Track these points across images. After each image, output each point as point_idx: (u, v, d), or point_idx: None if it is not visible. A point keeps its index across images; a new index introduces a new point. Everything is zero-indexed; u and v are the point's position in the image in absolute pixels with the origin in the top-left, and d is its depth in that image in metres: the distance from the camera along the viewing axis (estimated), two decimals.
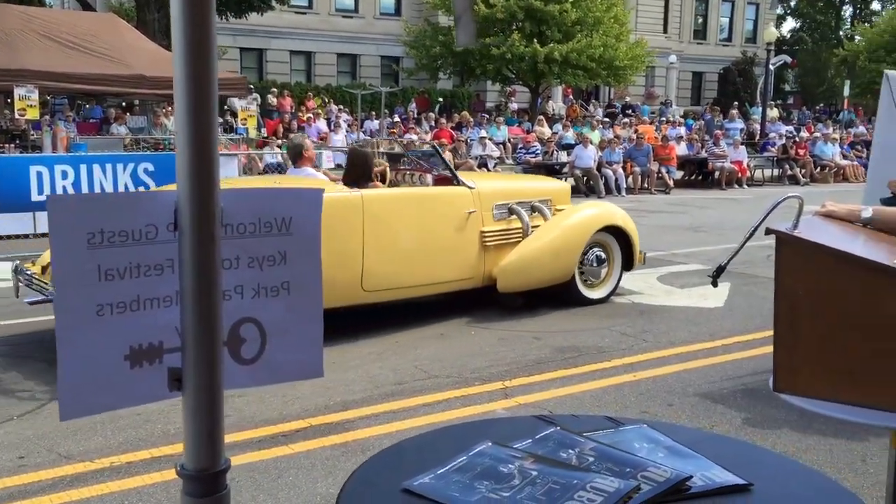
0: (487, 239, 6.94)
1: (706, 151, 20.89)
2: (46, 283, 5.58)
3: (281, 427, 4.56)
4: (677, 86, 40.07)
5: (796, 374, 2.76)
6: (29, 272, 5.90)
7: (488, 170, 17.07)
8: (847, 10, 54.44)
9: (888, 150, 6.27)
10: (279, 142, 19.05)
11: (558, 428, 1.63)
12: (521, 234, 7.15)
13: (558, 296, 7.36)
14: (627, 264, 7.71)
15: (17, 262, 6.21)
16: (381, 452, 1.58)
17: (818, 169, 22.49)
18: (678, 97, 39.33)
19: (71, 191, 10.97)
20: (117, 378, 1.12)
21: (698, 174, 20.87)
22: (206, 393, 1.11)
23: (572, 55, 25.62)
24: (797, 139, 23.39)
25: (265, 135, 20.88)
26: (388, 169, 7.47)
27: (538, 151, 18.64)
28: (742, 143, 21.78)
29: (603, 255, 7.55)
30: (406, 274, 6.52)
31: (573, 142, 19.96)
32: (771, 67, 29.41)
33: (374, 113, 22.82)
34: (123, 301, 1.12)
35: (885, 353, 2.57)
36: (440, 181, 7.20)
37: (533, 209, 7.34)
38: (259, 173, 16.79)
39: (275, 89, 25.73)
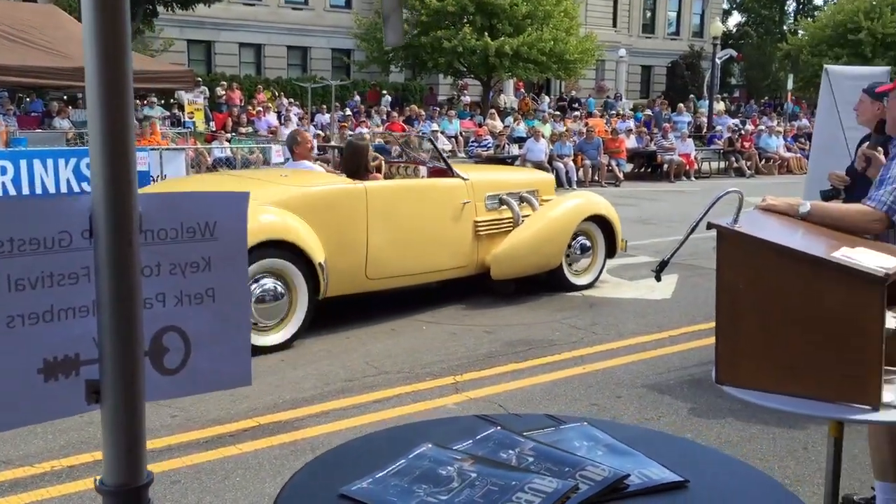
0: (480, 228, 7.23)
1: (655, 144, 21.16)
2: None
3: (228, 427, 4.50)
4: (627, 79, 40.48)
5: (738, 367, 2.80)
6: None
7: None
8: (790, 5, 55.58)
9: (827, 143, 6.41)
10: (228, 135, 18.78)
11: (499, 428, 1.63)
12: (511, 224, 7.44)
13: (547, 283, 7.75)
14: (610, 252, 8.10)
15: None
16: (318, 457, 1.55)
17: (763, 161, 22.94)
18: (628, 90, 39.74)
19: (11, 188, 10.68)
20: (31, 392, 1.07)
21: (647, 167, 21.13)
22: (126, 405, 1.07)
23: (523, 49, 25.70)
24: (743, 132, 23.82)
25: (214, 128, 20.58)
26: (382, 162, 7.68)
27: (490, 145, 18.68)
28: (689, 136, 22.10)
29: (588, 244, 7.91)
30: (406, 262, 6.76)
31: (525, 135, 20.06)
32: (717, 61, 29.88)
33: (325, 106, 22.61)
34: (36, 312, 1.07)
35: (824, 346, 2.62)
36: (434, 173, 7.51)
37: (521, 200, 7.65)
38: (208, 168, 16.53)
39: (224, 82, 25.35)
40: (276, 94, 25.65)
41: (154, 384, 1.15)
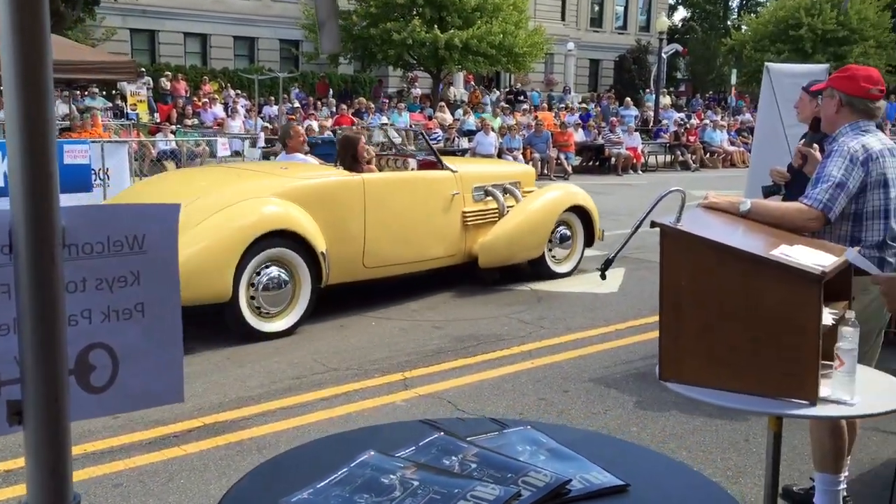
0: (468, 219, 7.55)
1: (603, 138, 21.38)
2: None
3: (172, 427, 4.42)
4: (575, 73, 40.80)
5: (681, 364, 2.84)
6: None
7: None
8: (734, 1, 56.63)
9: (768, 139, 6.54)
10: (173, 127, 18.43)
11: (442, 433, 1.62)
12: (497, 215, 7.78)
13: (529, 271, 8.11)
14: (589, 241, 8.46)
15: None
16: (258, 467, 1.53)
17: (708, 155, 23.35)
18: (576, 84, 40.07)
19: None
20: None
21: (595, 160, 21.35)
22: (50, 426, 1.03)
23: (472, 41, 25.71)
24: (688, 126, 24.21)
25: (158, 120, 20.17)
26: (374, 155, 7.85)
27: (439, 138, 18.66)
28: (636, 130, 22.39)
29: (568, 233, 8.26)
30: (401, 252, 7.04)
31: (475, 128, 20.08)
32: (663, 56, 30.31)
33: (272, 98, 22.32)
34: None
35: (763, 343, 2.67)
36: (424, 166, 7.84)
37: (505, 191, 7.96)
38: (152, 161, 16.20)
39: (168, 73, 24.84)
40: (223, 85, 25.23)
41: (80, 403, 1.11)
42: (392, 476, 1.42)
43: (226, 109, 21.17)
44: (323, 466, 1.47)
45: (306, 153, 8.14)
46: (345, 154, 7.08)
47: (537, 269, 8.04)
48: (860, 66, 3.33)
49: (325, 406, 4.80)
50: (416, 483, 1.40)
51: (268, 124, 18.69)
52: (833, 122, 3.28)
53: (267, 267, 6.07)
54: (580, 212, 8.32)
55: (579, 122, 22.86)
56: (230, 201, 6.07)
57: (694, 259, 2.77)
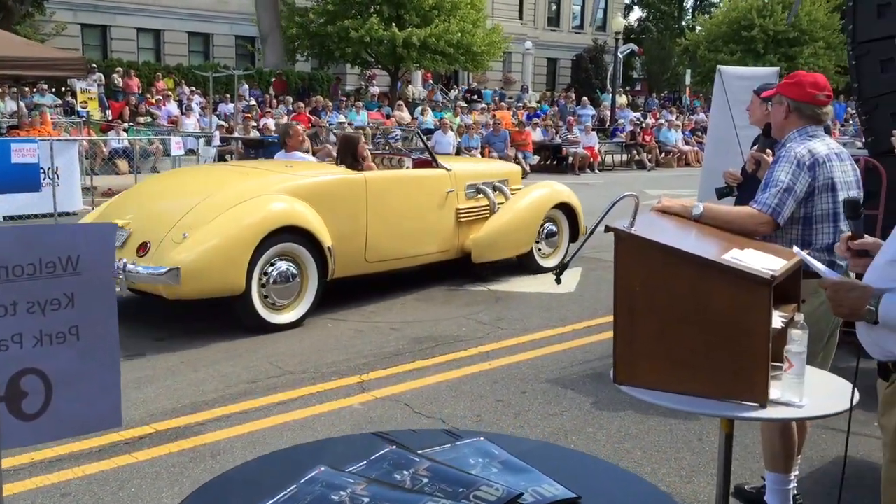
0: (461, 215, 7.86)
1: (560, 137, 21.52)
2: (135, 268, 6.01)
3: (123, 434, 4.33)
4: (533, 72, 41.00)
5: (635, 367, 2.86)
6: None
7: None
8: (689, 2, 57.40)
9: (721, 141, 6.63)
10: (125, 125, 18.08)
11: (394, 447, 1.60)
12: (488, 211, 8.09)
13: (519, 265, 8.47)
14: (573, 236, 8.79)
15: None
16: (205, 485, 1.49)
17: (663, 154, 23.66)
18: (534, 83, 40.26)
19: None
20: None
21: (553, 159, 21.47)
22: None
23: (430, 40, 25.66)
24: (644, 126, 24.49)
25: (110, 117, 19.79)
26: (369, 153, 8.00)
27: (398, 137, 18.57)
28: (593, 129, 22.57)
29: (554, 229, 8.62)
30: (400, 247, 7.33)
31: (433, 127, 20.06)
32: (619, 55, 30.62)
33: (228, 95, 22.01)
34: None
35: (715, 345, 2.70)
36: (419, 164, 8.12)
37: (495, 189, 8.25)
38: (104, 159, 15.89)
39: (120, 69, 24.36)
40: (178, 81, 24.81)
41: (12, 431, 1.07)
42: (342, 493, 1.40)
43: (180, 107, 20.83)
44: (272, 483, 1.44)
45: (306, 151, 8.41)
46: (345, 153, 7.28)
47: (525, 263, 8.38)
48: (807, 73, 3.38)
49: (281, 410, 4.74)
50: (366, 500, 1.38)
51: (223, 122, 18.44)
52: (782, 127, 3.34)
53: (277, 261, 6.30)
54: (566, 209, 8.70)
55: (536, 121, 22.96)
56: (240, 198, 6.26)
57: (647, 263, 2.79)
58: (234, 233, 6.02)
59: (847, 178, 3.30)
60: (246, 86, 23.86)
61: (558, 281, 2.92)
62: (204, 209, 6.13)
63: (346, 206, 6.78)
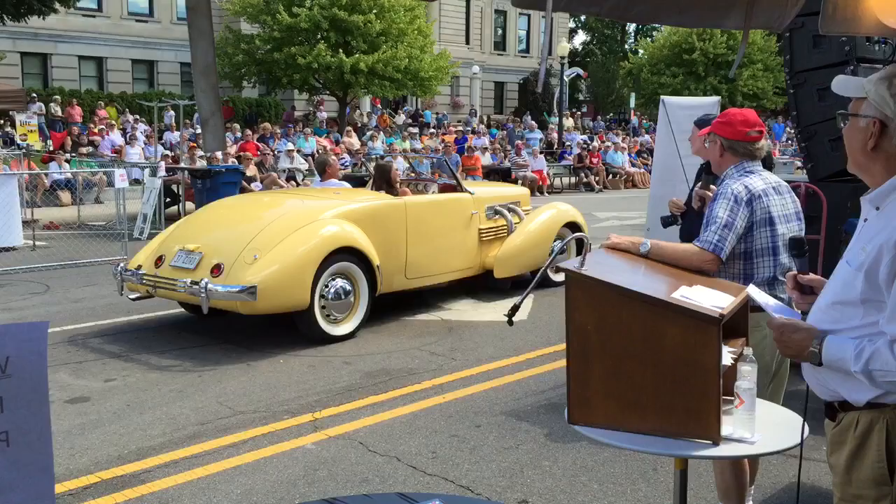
0: (483, 235, 8.57)
1: (509, 161, 21.68)
2: (153, 277, 6.92)
3: (66, 485, 4.17)
4: (481, 95, 41.36)
5: (589, 407, 2.86)
6: (128, 270, 7.16)
7: (297, 184, 16.73)
8: (631, 26, 58.61)
9: (666, 170, 6.74)
10: (67, 156, 17.71)
11: None
12: (505, 231, 8.79)
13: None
14: (579, 252, 9.53)
15: (118, 263, 7.42)
16: None
17: (610, 176, 23.99)
18: (482, 106, 40.60)
19: None
20: None
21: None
22: None
23: (378, 66, 25.74)
24: (590, 148, 24.83)
25: (51, 148, 19.37)
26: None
27: (347, 163, 18.52)
28: (541, 153, 22.80)
29: (564, 247, 8.84)
30: (434, 264, 7.94)
31: (382, 153, 20.04)
32: (565, 79, 31.07)
33: (174, 124, 21.73)
34: None
35: (668, 384, 2.72)
36: (444, 189, 8.89)
37: (510, 210, 8.91)
38: (45, 191, 15.52)
39: (57, 97, 23.86)
40: (121, 110, 24.41)
41: None
42: None
43: (124, 136, 20.50)
44: None
45: (340, 179, 9.00)
46: (380, 180, 8.18)
47: (539, 279, 9.11)
48: (738, 110, 3.46)
49: (232, 453, 4.63)
50: None
51: (168, 152, 18.16)
52: (719, 164, 3.42)
53: (334, 279, 6.96)
54: (573, 226, 9.32)
55: (486, 145, 23.11)
56: (300, 223, 6.95)
57: (599, 303, 2.80)
58: (300, 254, 6.69)
59: (786, 211, 3.37)
60: (172, 113, 23.50)
61: (510, 323, 2.90)
62: (269, 233, 6.79)
63: (389, 228, 7.49)
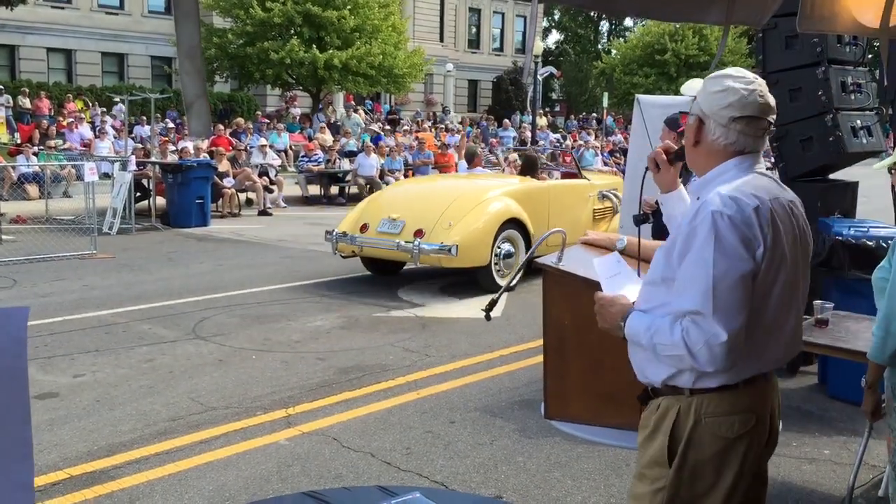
0: (596, 215, 10.33)
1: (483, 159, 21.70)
2: (359, 237, 8.97)
3: (35, 481, 4.10)
4: (455, 93, 41.37)
5: (566, 402, 2.87)
6: (342, 234, 9.10)
7: (270, 179, 16.60)
8: (604, 26, 58.98)
9: (640, 170, 6.77)
10: (35, 149, 17.42)
11: None
12: (611, 212, 10.45)
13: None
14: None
15: (332, 230, 9.27)
16: None
17: None
18: (456, 104, 40.62)
19: None
20: None
21: None
22: None
23: (352, 62, 25.64)
24: (563, 147, 24.92)
25: (19, 141, 19.05)
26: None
27: (320, 160, 18.43)
28: (515, 151, 22.82)
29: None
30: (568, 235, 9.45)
31: (356, 149, 19.96)
32: (539, 78, 31.17)
33: (144, 117, 21.44)
34: None
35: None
36: (566, 176, 11.05)
37: (613, 194, 10.47)
38: (13, 184, 15.26)
39: (25, 89, 23.47)
40: (90, 103, 24.06)
41: None
42: None
43: (93, 129, 20.21)
44: None
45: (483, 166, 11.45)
46: (529, 168, 10.16)
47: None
48: None
49: (204, 449, 4.59)
50: None
51: (139, 145, 17.93)
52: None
53: (503, 243, 8.88)
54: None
55: (459, 143, 23.09)
56: (479, 199, 8.97)
57: (576, 298, 2.81)
58: (484, 222, 8.69)
59: None
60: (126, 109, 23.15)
61: (488, 318, 2.90)
62: (458, 206, 8.77)
63: (537, 205, 9.35)
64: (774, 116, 2.18)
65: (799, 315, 2.21)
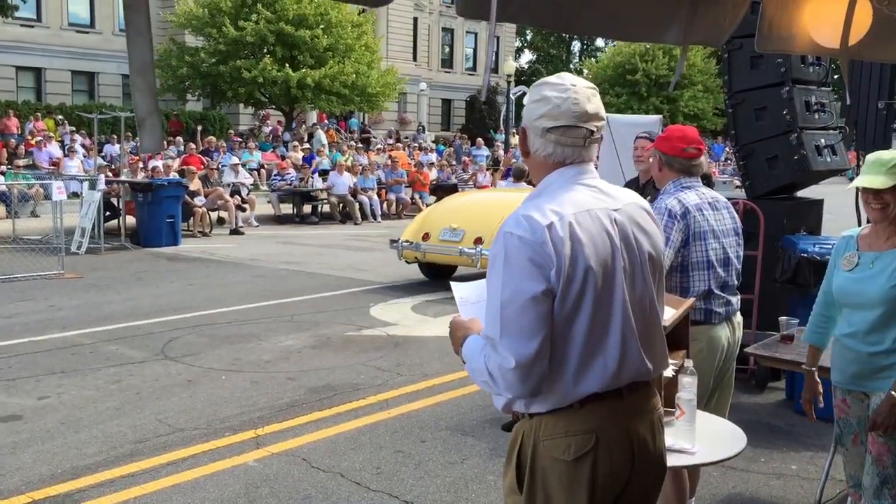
0: None
1: (456, 177, 21.76)
2: (423, 244, 9.98)
3: None
4: (428, 112, 41.51)
5: None
6: (404, 241, 10.10)
7: (242, 198, 16.51)
8: (576, 46, 59.63)
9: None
10: (3, 168, 17.19)
11: None
12: None
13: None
14: None
15: (397, 238, 10.25)
16: None
17: None
18: (429, 123, 40.74)
19: None
20: None
21: None
22: None
23: (325, 81, 25.66)
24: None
25: None
26: None
27: (293, 178, 18.38)
28: (488, 169, 22.95)
29: None
30: None
31: (328, 168, 19.93)
32: (512, 97, 31.39)
33: (115, 136, 21.24)
34: None
35: None
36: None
37: None
38: None
39: None
40: (60, 121, 23.80)
41: None
42: None
43: (63, 148, 20.00)
44: None
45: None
46: (518, 179, 11.31)
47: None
48: (678, 127, 3.55)
49: (171, 471, 4.52)
50: None
51: (107, 163, 17.74)
52: (659, 179, 3.51)
53: None
54: None
55: (433, 161, 23.16)
56: None
57: None
58: None
59: (723, 227, 3.45)
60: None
61: None
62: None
63: None
64: (600, 123, 2.07)
65: (646, 326, 2.08)
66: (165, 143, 22.05)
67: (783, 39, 2.66)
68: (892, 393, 2.93)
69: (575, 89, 2.04)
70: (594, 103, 2.06)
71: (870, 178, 2.89)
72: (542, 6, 2.25)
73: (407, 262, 10.33)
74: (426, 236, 10.07)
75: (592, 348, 1.99)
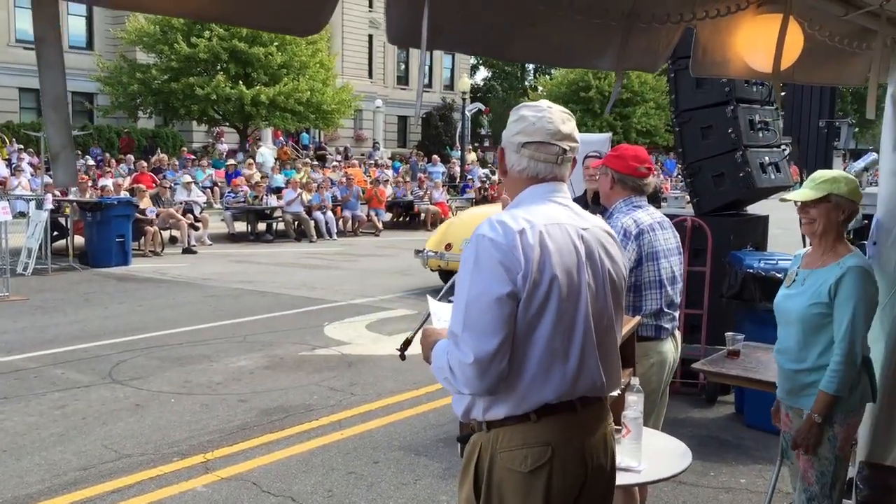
0: None
1: (412, 194, 21.78)
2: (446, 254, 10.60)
3: None
4: (384, 129, 41.51)
5: None
6: (429, 251, 10.83)
7: (195, 217, 16.29)
8: (530, 63, 60.21)
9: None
10: None
11: None
12: None
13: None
14: None
15: (423, 249, 10.99)
16: None
17: None
18: (385, 140, 40.74)
19: None
20: None
21: (405, 216, 21.66)
22: None
23: (279, 98, 25.52)
24: (492, 181, 25.22)
25: None
26: None
27: (247, 196, 18.17)
28: (444, 186, 23.00)
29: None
30: None
31: (282, 185, 19.78)
32: (467, 114, 31.59)
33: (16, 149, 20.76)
34: None
35: None
36: None
37: None
38: None
39: None
40: (6, 140, 23.30)
41: None
42: None
43: (9, 167, 19.57)
44: None
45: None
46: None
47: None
48: (630, 146, 3.60)
49: (117, 499, 4.41)
50: None
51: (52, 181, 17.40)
52: (608, 197, 3.53)
53: None
54: None
55: (388, 178, 23.15)
56: None
57: None
58: None
59: (669, 246, 3.50)
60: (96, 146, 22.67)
61: (403, 357, 2.87)
62: None
63: None
64: (573, 144, 2.17)
65: (604, 343, 2.13)
66: (115, 161, 21.72)
67: (717, 65, 2.72)
68: (810, 413, 2.97)
69: (550, 111, 2.18)
70: (568, 126, 2.18)
71: (796, 192, 2.98)
72: (472, 35, 2.27)
73: (431, 269, 11.06)
74: (448, 246, 10.70)
75: (552, 355, 2.05)
